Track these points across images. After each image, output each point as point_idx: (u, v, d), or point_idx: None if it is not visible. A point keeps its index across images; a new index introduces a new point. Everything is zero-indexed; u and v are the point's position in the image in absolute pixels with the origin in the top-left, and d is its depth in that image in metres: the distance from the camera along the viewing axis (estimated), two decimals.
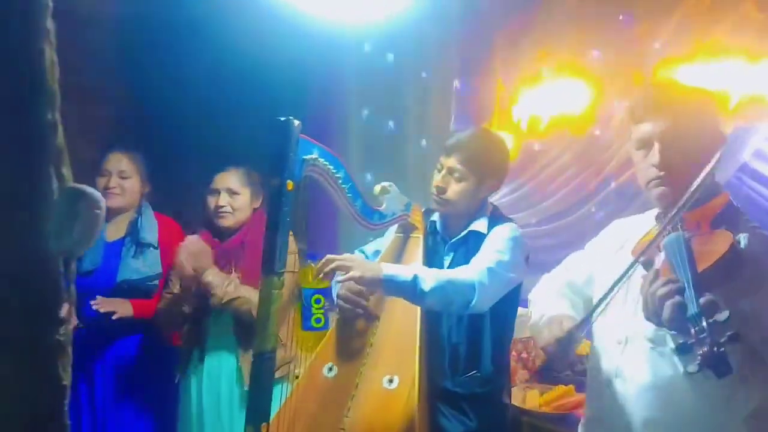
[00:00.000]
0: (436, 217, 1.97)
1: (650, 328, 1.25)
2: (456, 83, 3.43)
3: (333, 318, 2.13)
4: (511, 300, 1.85)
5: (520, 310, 2.50)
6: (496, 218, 1.90)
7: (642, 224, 1.46)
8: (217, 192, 2.23)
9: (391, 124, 3.59)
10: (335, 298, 1.82)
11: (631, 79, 3.00)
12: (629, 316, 1.36)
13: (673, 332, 1.13)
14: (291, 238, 2.20)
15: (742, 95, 2.65)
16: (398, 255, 1.89)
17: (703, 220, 1.24)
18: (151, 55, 2.71)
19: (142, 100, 2.79)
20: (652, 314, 1.11)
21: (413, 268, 1.66)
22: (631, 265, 1.24)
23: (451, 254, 1.88)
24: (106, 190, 2.27)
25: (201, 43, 2.75)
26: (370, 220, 1.71)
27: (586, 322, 1.33)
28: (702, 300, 1.04)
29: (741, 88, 2.66)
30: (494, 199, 3.49)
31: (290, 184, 1.39)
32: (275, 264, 1.41)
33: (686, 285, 1.06)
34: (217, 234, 2.26)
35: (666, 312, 1.07)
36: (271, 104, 2.58)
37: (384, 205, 1.78)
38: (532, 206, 3.39)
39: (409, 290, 1.59)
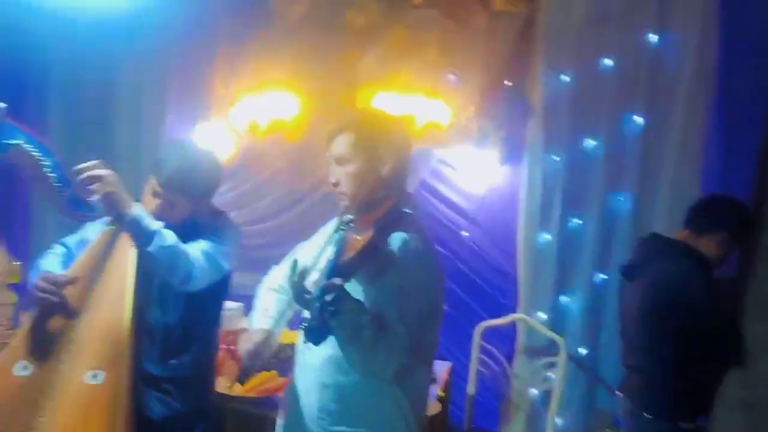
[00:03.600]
0: None
1: None
2: (173, 81, 3.41)
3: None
4: (220, 291, 1.97)
5: (231, 304, 2.64)
6: (215, 214, 2.00)
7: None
8: None
9: (102, 114, 3.41)
10: (30, 289, 1.73)
11: (339, 96, 3.37)
12: None
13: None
14: None
15: (422, 123, 3.18)
16: (107, 250, 1.82)
17: (368, 223, 1.56)
18: None
19: None
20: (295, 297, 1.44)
21: (161, 223, 1.72)
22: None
23: None
24: None
25: None
26: (78, 211, 1.67)
27: (273, 335, 1.62)
28: (323, 284, 1.36)
29: (422, 117, 3.19)
30: (216, 198, 3.57)
31: None
32: None
33: (325, 274, 1.39)
34: None
35: (293, 288, 1.42)
36: None
37: (96, 196, 1.71)
38: (247, 206, 3.54)
39: (147, 237, 1.66)
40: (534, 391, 2.97)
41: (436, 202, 3.31)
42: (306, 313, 1.43)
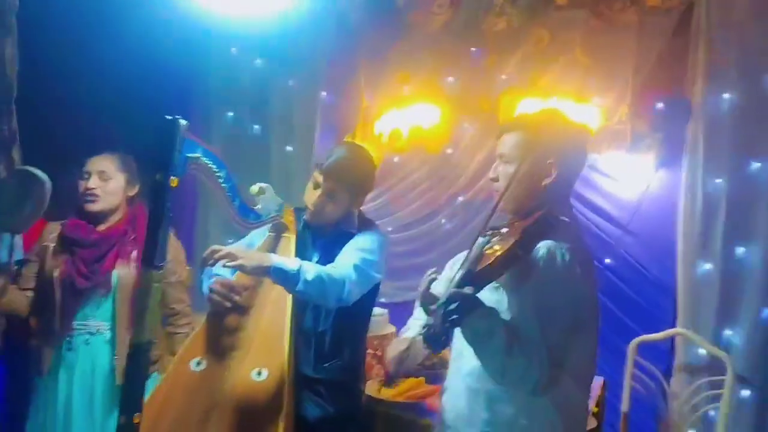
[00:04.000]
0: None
1: None
2: (323, 94, 3.56)
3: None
4: (369, 298, 2.01)
5: (376, 310, 2.70)
6: (365, 222, 2.05)
7: None
8: (89, 175, 2.15)
9: (256, 127, 3.65)
10: (206, 292, 1.87)
11: (479, 105, 3.35)
12: None
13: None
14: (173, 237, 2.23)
15: None
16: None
17: (518, 230, 1.46)
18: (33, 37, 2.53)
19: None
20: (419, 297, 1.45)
21: (297, 260, 1.78)
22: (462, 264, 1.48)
23: (319, 252, 1.99)
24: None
25: (86, 31, 2.64)
26: (247, 220, 1.79)
27: (417, 342, 1.62)
28: (450, 292, 1.33)
29: None
30: None
31: (174, 181, 1.45)
32: (155, 258, 1.45)
33: (454, 280, 1.37)
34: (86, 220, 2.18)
35: (421, 297, 1.45)
36: (149, 96, 2.56)
37: (259, 205, 1.85)
38: (388, 215, 3.61)
39: (293, 280, 1.72)
40: (695, 412, 2.74)
41: (587, 211, 3.15)
42: (430, 320, 1.39)
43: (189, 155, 1.49)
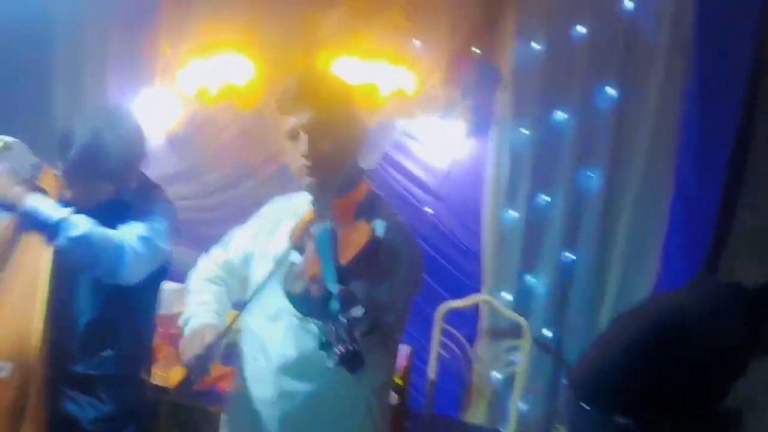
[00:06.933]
0: None
1: None
2: (113, 40, 3.13)
3: None
4: (155, 276, 1.72)
5: (174, 285, 2.41)
6: (146, 186, 1.76)
7: (301, 204, 1.45)
8: None
9: (37, 78, 3.11)
10: None
11: (296, 61, 3.13)
12: (280, 293, 1.36)
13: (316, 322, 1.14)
14: None
15: (386, 91, 2.98)
16: (16, 233, 1.58)
17: (348, 209, 1.31)
18: None
19: None
20: (299, 306, 1.17)
21: (68, 210, 1.47)
22: (286, 253, 1.27)
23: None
24: None
25: None
26: None
27: (226, 333, 1.34)
28: (341, 293, 1.06)
29: (386, 85, 2.98)
30: (161, 169, 3.31)
31: None
32: None
33: (329, 280, 1.09)
34: None
35: (311, 307, 1.12)
36: None
37: (6, 165, 1.52)
38: (193, 179, 3.30)
39: (53, 230, 1.42)
40: (497, 376, 2.85)
41: (399, 176, 3.11)
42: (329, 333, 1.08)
43: None
